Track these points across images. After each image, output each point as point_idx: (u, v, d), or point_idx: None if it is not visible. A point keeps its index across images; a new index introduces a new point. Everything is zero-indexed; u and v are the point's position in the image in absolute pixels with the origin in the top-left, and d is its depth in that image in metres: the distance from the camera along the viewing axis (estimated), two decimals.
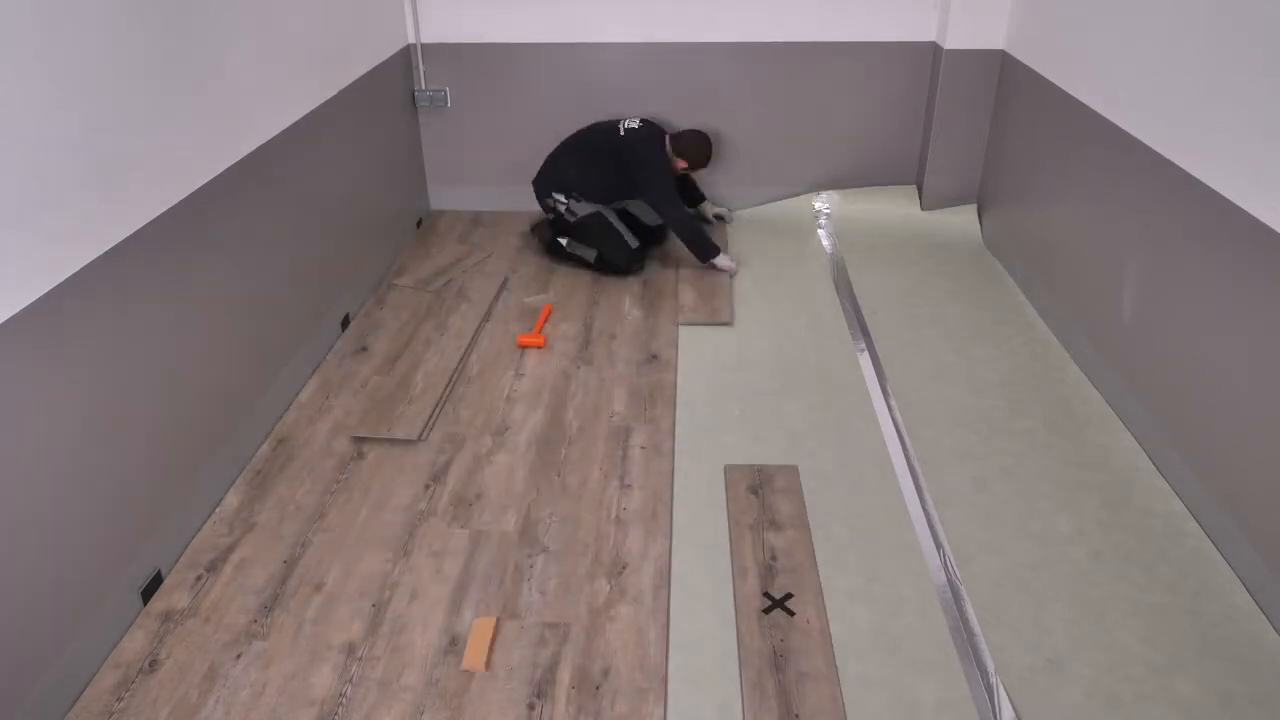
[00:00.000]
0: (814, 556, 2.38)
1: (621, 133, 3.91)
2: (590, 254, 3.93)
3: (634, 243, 3.90)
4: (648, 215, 4.06)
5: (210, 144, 2.56)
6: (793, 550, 2.39)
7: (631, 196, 4.00)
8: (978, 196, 4.36)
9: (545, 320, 3.56)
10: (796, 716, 1.95)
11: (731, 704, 1.99)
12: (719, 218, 4.37)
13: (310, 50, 3.23)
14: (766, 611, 2.20)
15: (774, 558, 2.37)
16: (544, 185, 3.98)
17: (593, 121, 4.07)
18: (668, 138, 3.91)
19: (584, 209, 3.90)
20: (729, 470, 2.70)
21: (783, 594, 2.25)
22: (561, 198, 3.91)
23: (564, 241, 3.96)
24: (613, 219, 3.90)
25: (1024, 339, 3.42)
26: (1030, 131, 3.77)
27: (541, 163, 4.06)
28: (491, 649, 2.11)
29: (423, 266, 4.05)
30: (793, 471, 2.69)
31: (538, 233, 4.19)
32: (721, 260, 3.88)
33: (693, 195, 4.32)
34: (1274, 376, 2.20)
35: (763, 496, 2.59)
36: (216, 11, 2.56)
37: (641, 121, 3.96)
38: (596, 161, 3.90)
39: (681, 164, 3.90)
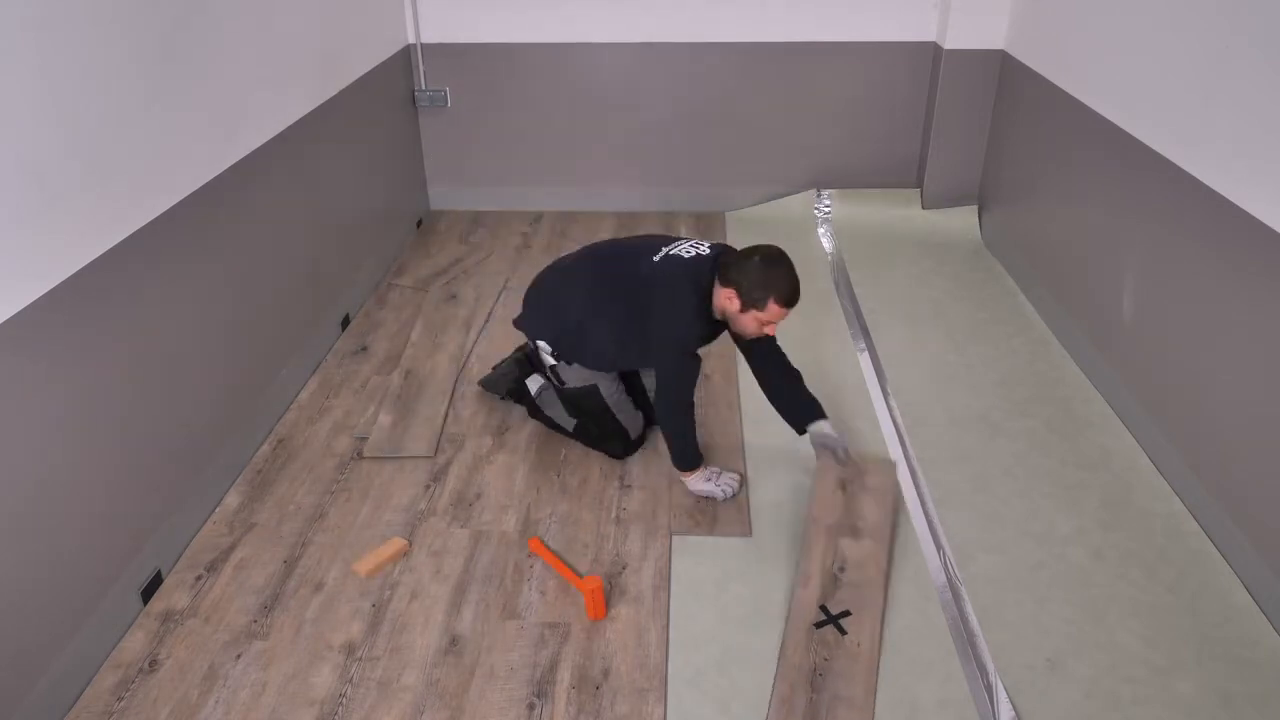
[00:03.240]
0: (885, 571, 2.29)
1: (656, 259, 2.48)
2: (568, 422, 2.78)
3: (635, 431, 2.73)
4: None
5: (210, 144, 2.56)
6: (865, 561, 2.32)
7: (645, 365, 2.74)
8: (978, 196, 4.36)
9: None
10: None
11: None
12: (836, 452, 2.60)
13: (310, 50, 3.24)
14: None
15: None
16: (532, 324, 2.70)
17: (624, 237, 2.73)
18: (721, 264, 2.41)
19: (577, 376, 2.65)
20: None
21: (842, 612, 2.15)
22: (549, 352, 2.65)
23: (533, 388, 2.81)
24: (613, 399, 2.68)
25: (1024, 339, 3.42)
26: (1030, 132, 3.77)
27: (534, 282, 2.77)
28: (381, 566, 2.32)
29: (423, 266, 4.05)
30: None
31: (497, 385, 2.96)
32: (698, 483, 2.56)
33: (794, 400, 2.66)
34: (1274, 376, 2.20)
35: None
36: (216, 12, 2.56)
37: (710, 247, 2.49)
38: (608, 302, 2.54)
39: (731, 301, 2.36)
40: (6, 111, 1.78)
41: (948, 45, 4.06)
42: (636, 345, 2.55)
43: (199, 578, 2.33)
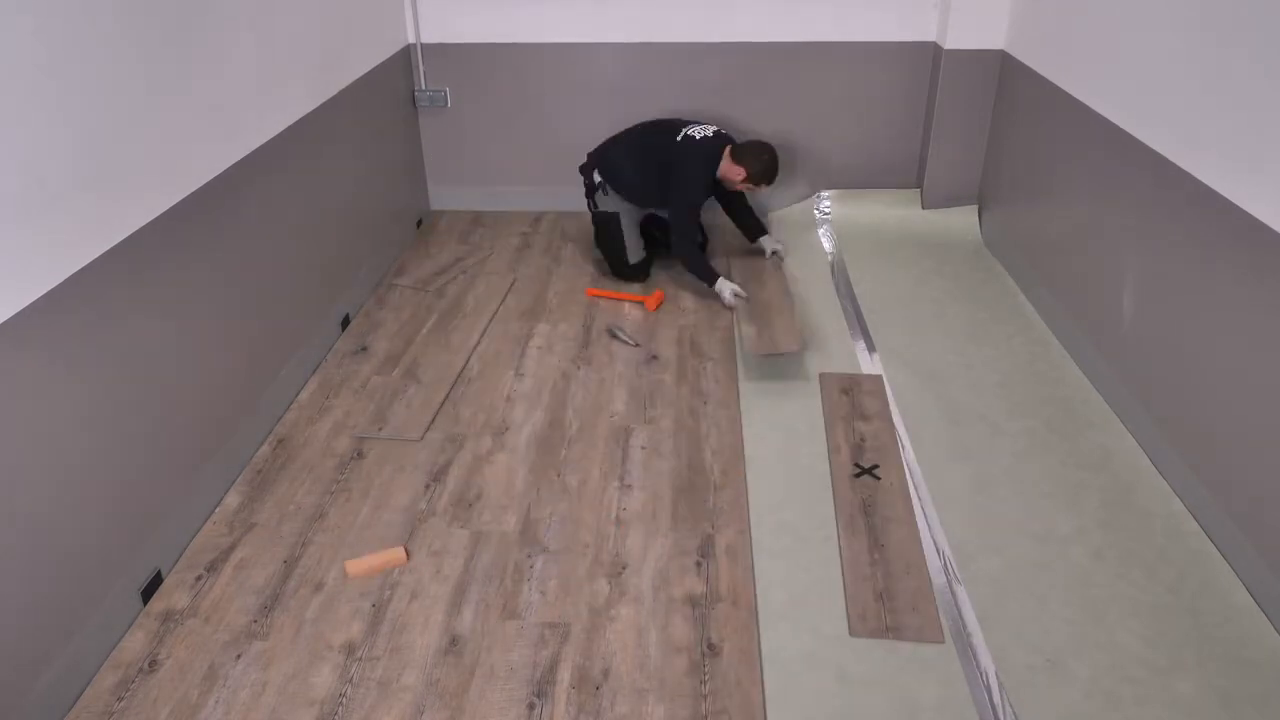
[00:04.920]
0: (896, 439, 2.39)
1: (679, 139, 3.66)
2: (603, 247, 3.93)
3: (635, 256, 3.83)
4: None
5: (210, 144, 2.56)
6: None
7: (662, 207, 3.83)
8: (978, 196, 4.36)
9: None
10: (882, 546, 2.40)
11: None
12: (775, 254, 3.94)
13: (310, 50, 3.23)
14: None
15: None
16: (592, 160, 3.85)
17: (660, 117, 3.94)
18: (729, 149, 3.62)
19: (608, 204, 3.78)
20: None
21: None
22: (598, 177, 3.78)
23: (591, 205, 3.89)
24: (627, 225, 3.80)
25: (1024, 339, 3.42)
26: (1030, 131, 3.77)
27: (594, 150, 3.88)
28: (372, 571, 2.33)
29: (423, 266, 4.05)
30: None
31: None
32: (722, 288, 3.59)
33: (750, 223, 4.01)
34: (1273, 376, 2.20)
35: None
36: (216, 12, 2.56)
37: (714, 132, 3.68)
38: (644, 162, 3.70)
39: (739, 174, 3.59)
40: (6, 111, 1.79)
41: (948, 45, 4.05)
42: (659, 193, 3.68)
43: (199, 578, 2.33)
